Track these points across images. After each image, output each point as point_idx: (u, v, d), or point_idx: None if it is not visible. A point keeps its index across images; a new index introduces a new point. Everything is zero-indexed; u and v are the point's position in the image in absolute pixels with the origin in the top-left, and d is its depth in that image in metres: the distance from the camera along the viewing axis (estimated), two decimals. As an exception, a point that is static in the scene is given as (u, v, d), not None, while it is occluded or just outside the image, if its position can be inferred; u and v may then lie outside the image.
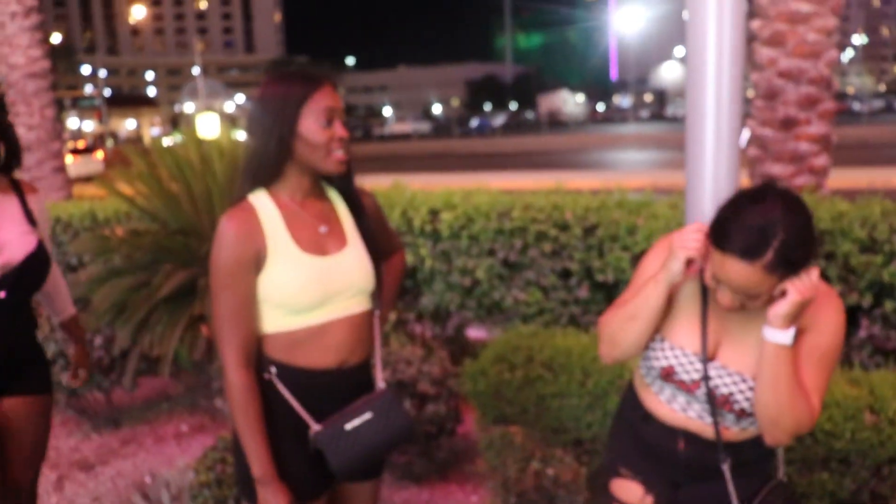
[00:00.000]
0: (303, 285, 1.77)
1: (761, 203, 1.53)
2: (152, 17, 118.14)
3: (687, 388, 1.74)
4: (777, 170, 5.58)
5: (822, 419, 2.57)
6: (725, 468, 1.73)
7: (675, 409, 1.78)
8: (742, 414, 1.70)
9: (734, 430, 1.74)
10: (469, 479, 3.58)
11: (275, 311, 1.80)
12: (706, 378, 1.70)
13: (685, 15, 2.56)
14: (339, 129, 1.78)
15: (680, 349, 1.75)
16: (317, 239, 1.83)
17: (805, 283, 1.51)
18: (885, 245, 3.38)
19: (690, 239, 1.63)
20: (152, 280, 4.04)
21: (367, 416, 1.86)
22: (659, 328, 1.78)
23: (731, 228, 1.53)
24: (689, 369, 1.73)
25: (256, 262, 1.76)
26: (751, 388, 1.67)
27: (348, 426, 1.83)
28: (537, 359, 3.11)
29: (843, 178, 11.30)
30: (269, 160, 1.78)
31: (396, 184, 4.78)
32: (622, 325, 1.75)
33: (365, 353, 1.95)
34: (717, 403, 1.70)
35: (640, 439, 1.87)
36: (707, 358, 1.70)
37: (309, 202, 1.86)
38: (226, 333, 1.76)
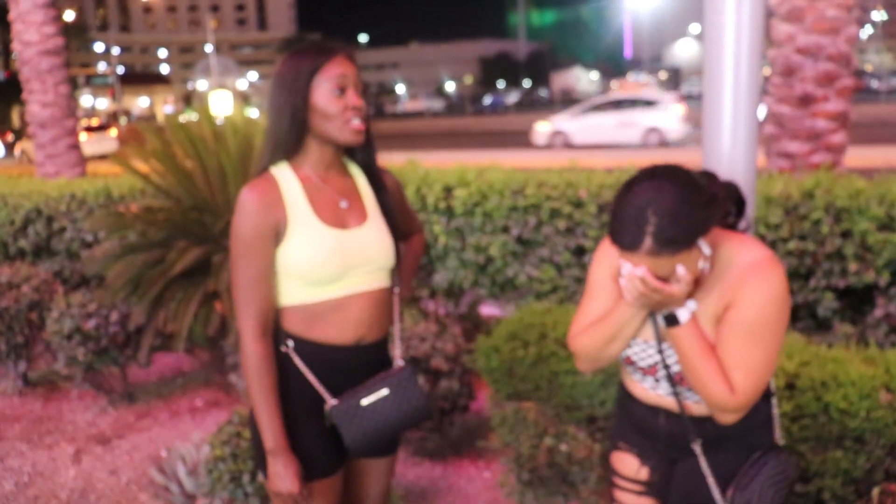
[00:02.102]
0: (322, 257, 1.77)
1: (631, 193, 1.55)
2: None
3: (647, 372, 1.79)
4: (794, 147, 5.53)
5: (837, 397, 2.56)
6: (696, 447, 1.75)
7: (646, 388, 1.82)
8: None
9: (702, 405, 1.75)
10: (482, 455, 3.60)
11: (293, 283, 1.80)
12: (663, 362, 1.73)
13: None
14: (352, 98, 1.77)
15: (633, 339, 1.77)
16: (337, 212, 1.83)
17: (630, 284, 1.57)
18: (903, 223, 3.35)
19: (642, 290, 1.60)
20: (167, 256, 4.06)
21: (384, 392, 1.86)
22: None
23: (614, 224, 1.57)
24: (644, 356, 1.77)
25: (276, 232, 1.77)
26: None
27: (364, 402, 1.83)
28: (550, 336, 3.10)
29: (860, 156, 11.21)
30: (286, 133, 1.78)
31: (410, 161, 4.76)
32: (606, 347, 1.77)
33: (383, 330, 1.94)
34: (674, 382, 1.74)
35: (631, 415, 1.91)
36: (661, 341, 1.72)
37: (331, 176, 1.86)
38: (243, 303, 1.77)
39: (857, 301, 3.65)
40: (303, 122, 1.77)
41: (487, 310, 4.80)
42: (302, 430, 1.83)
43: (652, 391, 1.81)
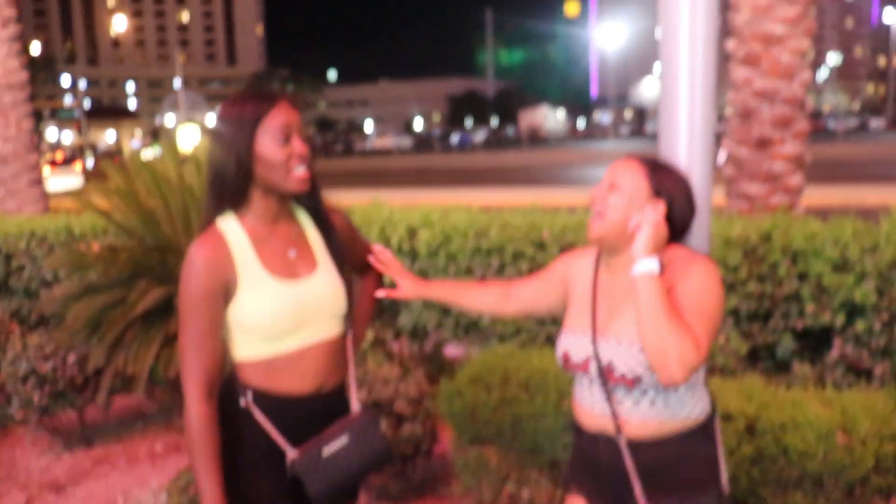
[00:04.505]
0: (275, 312, 1.75)
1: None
2: (133, 28, 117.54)
3: (582, 368, 1.86)
4: (753, 189, 5.65)
5: (796, 439, 2.58)
6: (621, 441, 1.79)
7: (585, 409, 1.88)
8: (626, 382, 1.76)
9: (634, 422, 1.79)
10: (445, 500, 3.56)
11: (249, 337, 1.77)
12: (595, 354, 1.82)
13: (657, 34, 2.60)
14: (297, 146, 1.75)
15: (572, 334, 1.90)
16: (286, 263, 1.81)
17: (652, 213, 1.74)
18: (856, 265, 3.42)
19: None
20: (128, 297, 4.00)
21: (344, 440, 1.84)
22: (562, 323, 1.99)
23: None
24: (579, 349, 1.87)
25: (225, 291, 1.74)
26: (626, 351, 1.77)
27: (326, 451, 1.81)
28: (513, 379, 3.10)
29: (818, 195, 11.47)
30: (231, 182, 1.75)
31: (375, 202, 4.77)
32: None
33: (341, 376, 1.93)
34: (604, 374, 1.80)
35: (580, 454, 1.95)
36: (595, 332, 1.84)
37: (277, 226, 1.83)
38: (189, 363, 1.73)
39: (815, 342, 3.71)
40: (248, 172, 1.74)
41: (452, 351, 4.79)
42: (262, 484, 1.79)
43: (589, 410, 1.86)
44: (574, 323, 1.92)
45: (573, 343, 1.88)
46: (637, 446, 1.79)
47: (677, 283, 1.73)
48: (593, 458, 1.88)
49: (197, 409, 1.72)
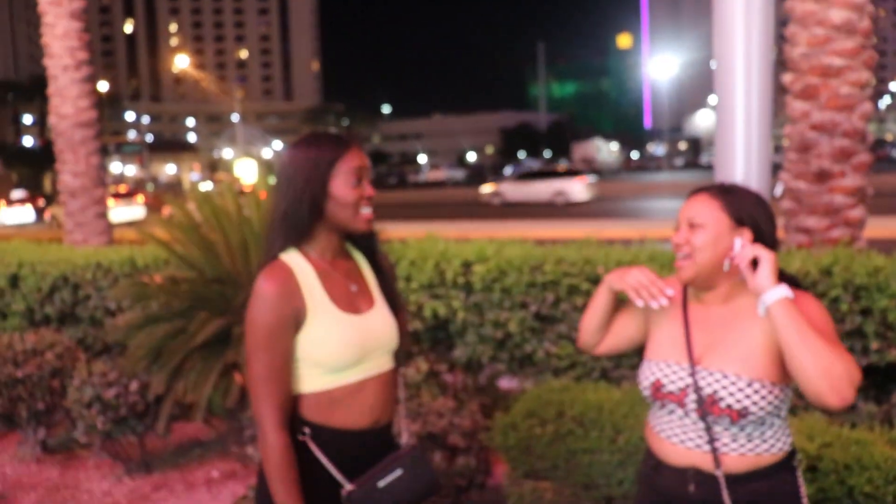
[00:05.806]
0: (343, 344, 1.80)
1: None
2: (195, 65, 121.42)
3: (677, 398, 1.81)
4: (812, 222, 5.53)
5: (862, 481, 2.51)
6: (720, 476, 1.75)
7: (675, 444, 1.83)
8: (731, 414, 1.73)
9: (733, 456, 1.76)
10: (498, 534, 3.54)
11: (312, 370, 1.82)
12: (695, 384, 1.78)
13: (712, 64, 2.62)
14: (367, 188, 1.85)
15: (664, 362, 1.87)
16: (349, 297, 1.87)
17: (761, 248, 1.72)
18: (923, 302, 3.33)
19: (632, 277, 1.85)
20: (188, 327, 4.11)
21: (398, 472, 1.87)
22: (644, 353, 1.96)
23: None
24: (675, 378, 1.83)
25: (296, 321, 1.79)
26: (733, 384, 1.74)
27: (381, 483, 1.84)
28: (568, 414, 3.09)
29: (882, 226, 11.15)
30: (302, 219, 1.82)
31: (430, 236, 4.82)
32: (583, 317, 2.09)
33: (393, 411, 1.97)
34: (705, 406, 1.76)
35: (655, 491, 1.90)
36: (693, 364, 1.80)
37: (338, 261, 1.91)
38: (264, 394, 1.76)
39: (880, 380, 3.60)
40: (320, 210, 1.82)
41: (506, 383, 4.78)
42: None
43: (681, 445, 1.81)
44: (664, 352, 1.89)
45: (667, 372, 1.85)
46: (735, 481, 1.76)
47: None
48: (678, 493, 1.83)
49: (275, 438, 1.76)
